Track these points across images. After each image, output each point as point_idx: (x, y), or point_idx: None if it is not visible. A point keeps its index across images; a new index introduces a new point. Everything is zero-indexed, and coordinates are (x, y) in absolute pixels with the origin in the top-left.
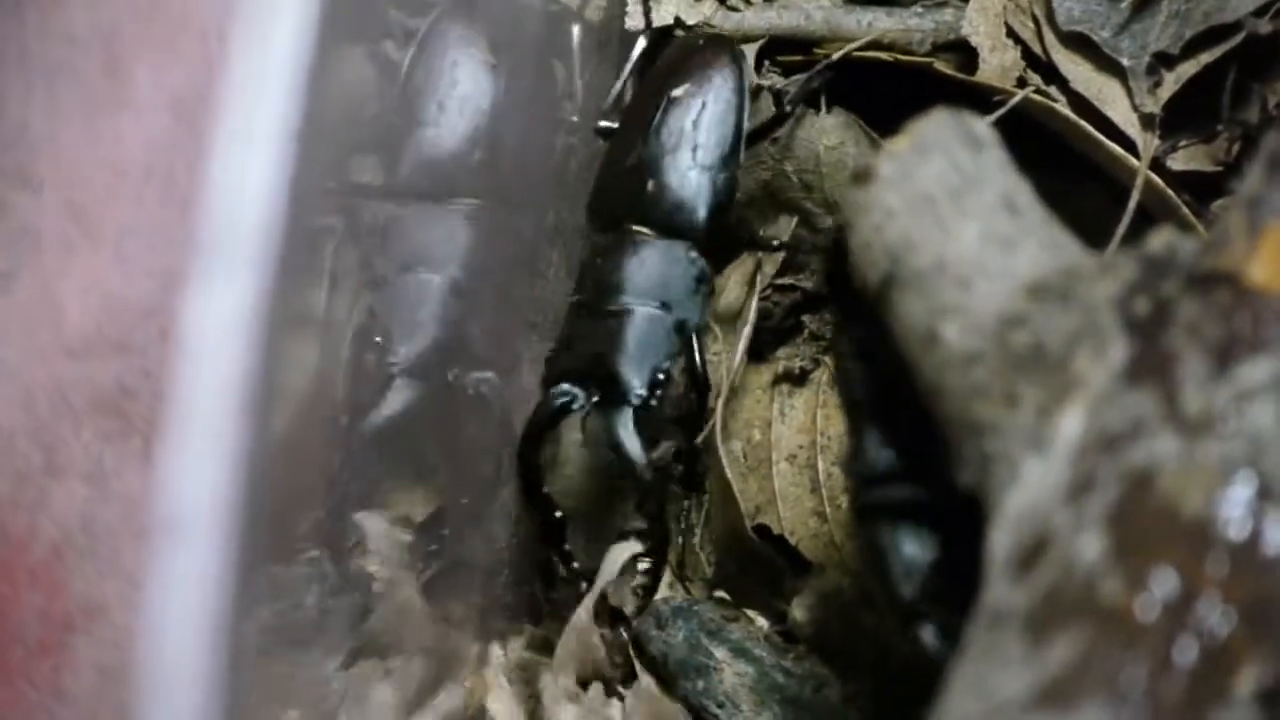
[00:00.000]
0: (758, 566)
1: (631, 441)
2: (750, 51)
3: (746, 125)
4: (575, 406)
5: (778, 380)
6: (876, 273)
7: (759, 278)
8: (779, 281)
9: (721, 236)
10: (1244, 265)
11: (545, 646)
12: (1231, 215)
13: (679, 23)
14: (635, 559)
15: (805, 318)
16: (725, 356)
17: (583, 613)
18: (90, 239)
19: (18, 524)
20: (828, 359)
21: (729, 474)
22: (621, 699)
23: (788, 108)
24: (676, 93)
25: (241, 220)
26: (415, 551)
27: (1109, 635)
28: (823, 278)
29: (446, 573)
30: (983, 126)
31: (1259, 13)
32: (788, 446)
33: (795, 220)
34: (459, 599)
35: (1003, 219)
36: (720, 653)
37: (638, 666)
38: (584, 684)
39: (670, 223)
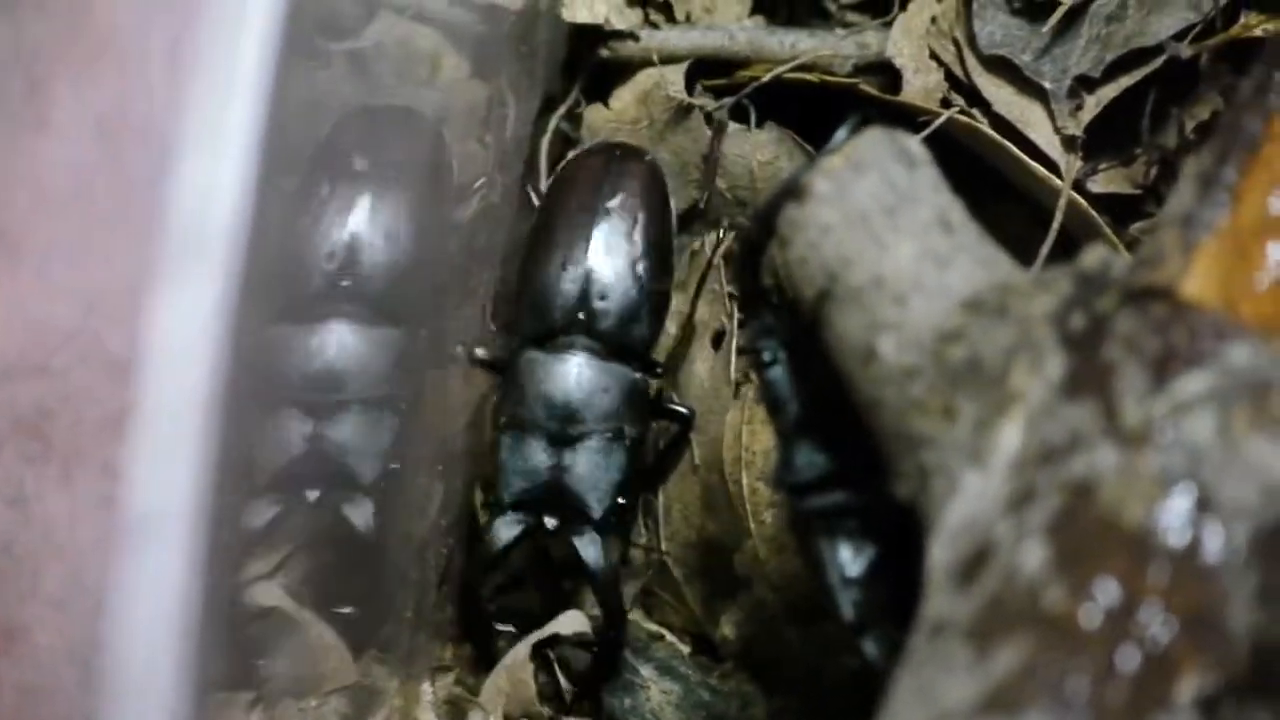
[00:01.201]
0: (708, 577)
1: (600, 566)
2: (679, 71)
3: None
4: (531, 533)
5: None
6: (813, 289)
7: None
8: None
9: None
10: (1178, 280)
11: (474, 671)
12: (1166, 231)
13: (606, 25)
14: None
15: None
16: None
17: (521, 651)
18: (11, 260)
19: None
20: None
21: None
22: None
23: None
24: (611, 204)
25: (185, 240)
26: (322, 589)
27: (1052, 643)
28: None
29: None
30: (916, 144)
31: (1179, 36)
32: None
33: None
34: (379, 633)
35: (937, 236)
36: (646, 671)
37: (563, 684)
38: None
39: (619, 339)
